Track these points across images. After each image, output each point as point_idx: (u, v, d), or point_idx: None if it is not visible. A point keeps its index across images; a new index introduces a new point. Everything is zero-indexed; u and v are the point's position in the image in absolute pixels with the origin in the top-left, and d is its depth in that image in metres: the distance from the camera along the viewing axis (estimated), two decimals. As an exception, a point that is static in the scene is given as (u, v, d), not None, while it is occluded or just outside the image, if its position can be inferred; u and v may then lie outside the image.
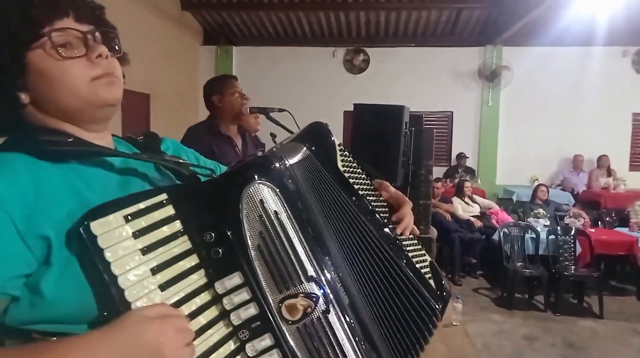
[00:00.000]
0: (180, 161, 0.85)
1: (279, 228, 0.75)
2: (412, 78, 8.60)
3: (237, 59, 9.03)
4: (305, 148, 0.94)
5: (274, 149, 0.88)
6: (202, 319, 0.72)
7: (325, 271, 0.78)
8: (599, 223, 6.45)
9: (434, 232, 4.23)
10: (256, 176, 0.75)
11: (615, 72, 8.33)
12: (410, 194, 3.93)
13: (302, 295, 0.74)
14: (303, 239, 0.77)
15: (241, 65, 8.91)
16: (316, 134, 1.03)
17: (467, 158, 8.48)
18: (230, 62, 8.93)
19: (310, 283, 0.75)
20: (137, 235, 0.69)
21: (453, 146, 8.84)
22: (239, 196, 0.74)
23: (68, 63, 0.73)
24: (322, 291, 0.76)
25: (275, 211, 0.75)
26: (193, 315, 0.71)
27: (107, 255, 0.65)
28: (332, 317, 0.76)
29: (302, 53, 8.87)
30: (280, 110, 2.39)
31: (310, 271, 0.76)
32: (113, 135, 0.87)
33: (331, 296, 0.77)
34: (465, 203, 6.60)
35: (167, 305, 0.68)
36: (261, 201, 0.75)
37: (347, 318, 0.78)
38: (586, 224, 5.90)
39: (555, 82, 8.40)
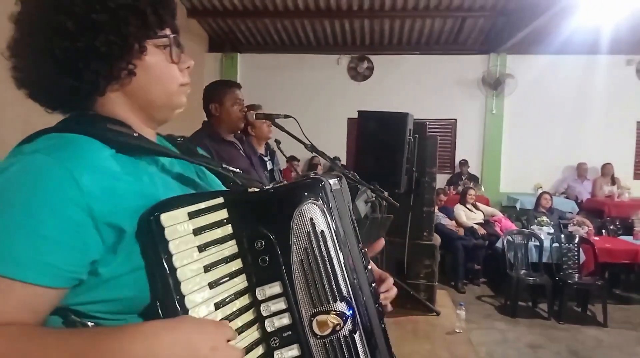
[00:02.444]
0: (237, 170, 0.91)
1: (322, 247, 0.78)
2: (416, 86, 8.63)
3: (241, 66, 9.08)
4: (337, 179, 0.98)
5: (318, 174, 0.91)
6: (239, 321, 0.75)
7: (357, 292, 0.81)
8: (603, 231, 6.44)
9: (437, 239, 4.24)
10: (311, 196, 0.79)
11: (620, 80, 8.33)
12: (414, 201, 3.95)
13: (334, 312, 0.78)
14: (342, 260, 0.80)
15: (246, 72, 8.97)
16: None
17: (469, 167, 8.48)
18: (235, 69, 8.98)
19: (342, 302, 0.78)
20: (197, 232, 0.74)
21: (457, 154, 8.85)
22: (292, 212, 0.78)
23: (171, 66, 0.82)
24: (351, 312, 0.79)
25: (322, 231, 0.79)
26: (232, 317, 0.74)
27: (171, 246, 0.70)
28: (357, 337, 0.80)
29: (307, 60, 8.92)
30: (286, 116, 2.40)
31: (344, 292, 0.79)
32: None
33: (358, 318, 0.80)
34: (469, 210, 6.60)
35: (217, 321, 0.72)
36: (311, 219, 0.78)
37: (369, 342, 0.82)
38: (590, 232, 5.89)
39: (559, 90, 8.42)
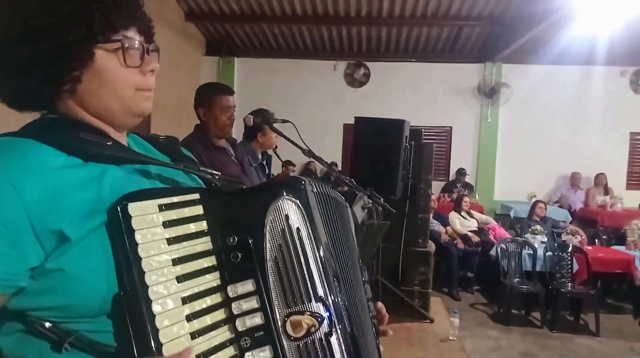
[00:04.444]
0: (215, 173, 0.88)
1: (298, 244, 0.77)
2: (412, 93, 8.67)
3: (238, 70, 9.09)
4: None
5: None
6: (209, 319, 0.73)
7: (333, 295, 0.79)
8: (596, 240, 6.47)
9: (432, 246, 4.24)
10: (285, 193, 0.78)
11: (614, 91, 8.42)
12: (409, 208, 3.95)
13: (308, 313, 0.75)
14: (319, 259, 0.78)
15: (243, 76, 8.98)
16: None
17: (468, 174, 8.51)
18: (232, 74, 8.99)
19: (318, 303, 0.76)
20: (166, 224, 0.72)
21: (451, 161, 8.88)
22: (266, 208, 0.76)
23: (127, 70, 0.78)
24: (327, 313, 0.77)
25: (298, 228, 0.77)
26: (201, 314, 0.73)
27: (137, 236, 0.69)
28: (333, 340, 0.77)
29: (304, 66, 8.94)
30: (284, 121, 2.40)
31: (320, 292, 0.77)
32: (129, 133, 0.91)
33: (335, 320, 0.78)
34: (463, 217, 6.62)
35: (188, 351, 0.69)
36: (287, 216, 0.77)
37: (347, 345, 0.79)
38: (583, 241, 5.91)
39: (553, 100, 8.48)
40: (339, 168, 8.08)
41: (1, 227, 0.65)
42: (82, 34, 0.73)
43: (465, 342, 4.06)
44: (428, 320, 3.91)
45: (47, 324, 0.69)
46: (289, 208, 0.77)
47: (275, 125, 2.45)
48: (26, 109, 0.79)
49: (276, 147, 3.48)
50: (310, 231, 0.78)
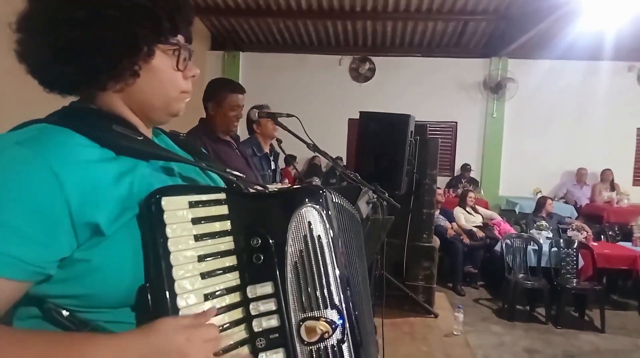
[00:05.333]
0: (240, 175, 0.91)
1: (318, 252, 0.78)
2: (417, 88, 8.63)
3: (243, 65, 9.08)
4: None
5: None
6: (227, 318, 0.75)
7: (348, 303, 0.80)
8: (602, 236, 6.45)
9: (436, 241, 4.24)
10: (309, 200, 0.79)
11: (621, 87, 8.35)
12: (414, 203, 3.95)
13: (323, 319, 0.77)
14: (336, 268, 0.79)
15: (247, 71, 8.97)
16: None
17: (473, 170, 8.49)
18: (236, 68, 8.98)
19: (333, 310, 0.77)
20: (195, 221, 0.74)
21: (457, 157, 8.85)
22: (291, 214, 0.78)
23: (176, 73, 0.82)
24: (341, 321, 0.78)
25: (319, 236, 0.78)
26: (220, 312, 0.74)
27: (168, 230, 0.71)
28: (345, 348, 0.78)
29: (309, 61, 8.92)
30: (289, 115, 2.40)
31: (336, 300, 0.78)
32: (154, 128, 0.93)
33: (348, 328, 0.79)
34: (468, 213, 6.61)
35: (202, 314, 0.71)
36: (309, 223, 0.78)
37: (356, 355, 0.80)
38: (589, 237, 5.90)
39: (560, 95, 8.43)
40: (344, 162, 8.08)
41: (40, 215, 0.65)
42: (147, 32, 0.75)
43: (469, 338, 4.06)
44: (432, 315, 3.92)
45: (65, 313, 0.70)
46: (312, 216, 0.79)
47: (280, 119, 2.45)
48: (62, 93, 0.80)
49: (281, 142, 3.48)
50: (330, 240, 0.80)
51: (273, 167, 3.38)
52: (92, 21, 0.71)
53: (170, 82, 0.82)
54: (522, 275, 5.33)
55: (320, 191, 0.81)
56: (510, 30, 7.55)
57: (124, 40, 0.73)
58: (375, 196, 2.16)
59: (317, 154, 2.29)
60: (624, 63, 8.31)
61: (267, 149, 3.34)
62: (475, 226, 6.41)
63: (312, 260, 0.78)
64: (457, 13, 7.46)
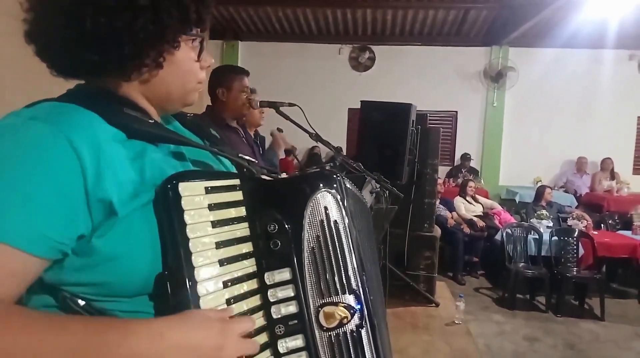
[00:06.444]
0: (252, 160, 0.90)
1: (335, 237, 0.77)
2: (417, 77, 8.60)
3: (242, 54, 9.03)
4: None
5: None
6: (245, 305, 0.74)
7: (365, 288, 0.80)
8: (602, 225, 6.46)
9: (437, 231, 4.24)
10: (326, 185, 0.79)
11: (622, 75, 8.31)
12: (415, 193, 3.94)
13: (342, 304, 0.76)
14: (353, 252, 0.79)
15: (246, 60, 8.91)
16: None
17: (472, 159, 8.47)
18: (235, 57, 8.93)
19: (351, 295, 0.77)
20: (212, 207, 0.73)
21: (457, 146, 8.84)
22: (307, 199, 0.77)
23: (196, 64, 0.83)
24: (359, 306, 0.78)
25: (335, 221, 0.78)
26: (238, 299, 0.73)
27: (186, 217, 0.69)
28: (363, 333, 0.78)
29: (308, 50, 8.87)
30: (290, 104, 2.37)
31: (354, 285, 0.78)
32: None
33: (366, 313, 0.78)
34: (468, 202, 6.61)
35: (229, 310, 0.70)
36: (325, 208, 0.78)
37: (374, 339, 0.80)
38: (589, 226, 5.90)
39: (560, 84, 8.40)
40: (344, 152, 8.06)
41: (61, 188, 0.63)
42: (176, 22, 0.75)
43: (470, 326, 4.07)
44: (433, 304, 3.93)
45: (81, 302, 0.68)
46: (328, 201, 0.78)
47: (281, 109, 2.43)
48: (73, 78, 0.78)
49: (281, 130, 3.45)
50: (346, 225, 0.79)
51: (261, 152, 3.38)
52: (122, 8, 0.70)
53: (190, 73, 0.82)
54: (522, 263, 5.34)
55: (335, 176, 0.81)
56: (512, 18, 7.50)
57: (154, 29, 0.72)
58: (378, 185, 2.15)
59: (318, 143, 2.28)
60: (625, 51, 8.27)
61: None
62: (475, 216, 6.42)
63: (330, 245, 0.77)
64: (458, 1, 7.39)
